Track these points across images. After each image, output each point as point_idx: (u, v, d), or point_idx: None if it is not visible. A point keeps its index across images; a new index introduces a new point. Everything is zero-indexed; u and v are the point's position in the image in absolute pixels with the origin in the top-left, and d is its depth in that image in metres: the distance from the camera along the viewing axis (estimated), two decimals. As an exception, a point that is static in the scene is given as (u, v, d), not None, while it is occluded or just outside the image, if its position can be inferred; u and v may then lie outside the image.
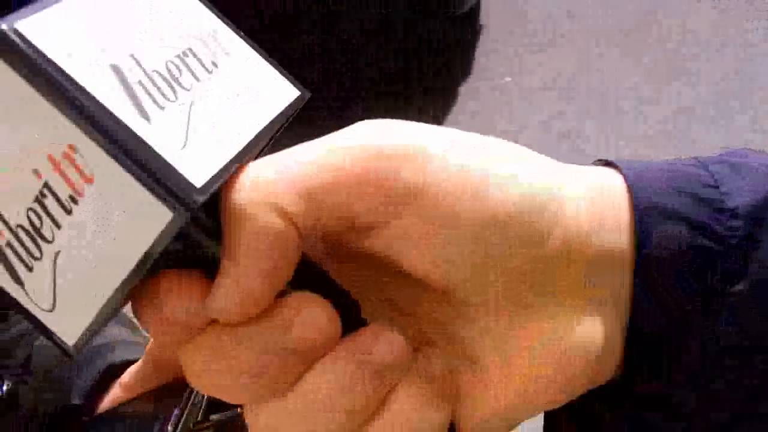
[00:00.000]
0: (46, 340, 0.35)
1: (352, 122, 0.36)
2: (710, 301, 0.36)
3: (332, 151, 0.35)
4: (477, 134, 0.37)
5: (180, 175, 0.33)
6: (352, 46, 2.37)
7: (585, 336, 0.36)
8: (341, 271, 0.37)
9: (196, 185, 0.33)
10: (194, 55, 0.36)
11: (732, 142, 2.38)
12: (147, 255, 0.33)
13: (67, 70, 0.32)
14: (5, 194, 0.33)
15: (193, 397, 0.47)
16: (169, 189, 0.32)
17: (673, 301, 0.36)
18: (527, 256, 0.35)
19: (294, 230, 0.34)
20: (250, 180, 0.34)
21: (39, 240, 0.34)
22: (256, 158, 0.35)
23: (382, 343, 0.35)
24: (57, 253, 0.34)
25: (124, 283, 0.33)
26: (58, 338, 0.35)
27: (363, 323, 0.36)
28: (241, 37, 0.39)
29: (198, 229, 0.34)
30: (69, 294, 0.34)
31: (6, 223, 0.34)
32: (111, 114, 0.32)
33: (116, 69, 0.33)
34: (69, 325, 0.35)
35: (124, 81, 0.33)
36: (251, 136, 0.36)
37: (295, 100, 0.38)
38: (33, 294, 0.34)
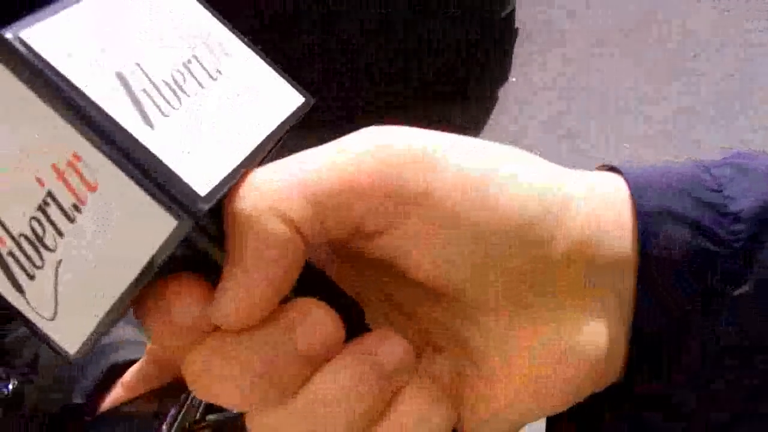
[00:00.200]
0: None
1: (352, 122, 0.36)
2: (710, 301, 0.36)
3: (337, 157, 0.35)
4: (479, 139, 0.37)
5: (184, 183, 0.32)
6: (352, 46, 2.37)
7: (586, 337, 0.36)
8: (345, 275, 0.37)
9: (200, 193, 0.33)
10: (199, 63, 0.36)
11: (732, 142, 2.38)
12: (150, 263, 0.33)
13: (72, 79, 0.32)
14: (8, 202, 0.33)
15: (191, 398, 0.47)
16: (173, 197, 0.32)
17: (673, 301, 0.36)
18: (529, 260, 0.35)
19: (299, 237, 0.34)
20: (255, 187, 0.34)
21: (41, 248, 0.34)
22: (260, 165, 0.35)
23: (387, 347, 0.35)
24: (59, 262, 0.34)
25: (127, 291, 0.33)
26: (60, 347, 0.35)
27: (367, 329, 0.36)
28: (246, 44, 0.38)
29: (202, 235, 0.34)
30: (71, 302, 0.34)
31: (8, 231, 0.34)
32: (115, 122, 0.32)
33: (121, 77, 0.33)
34: (70, 334, 0.34)
35: (128, 89, 0.33)
36: (256, 144, 0.36)
37: (300, 106, 0.38)
38: (34, 302, 0.34)
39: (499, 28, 2.63)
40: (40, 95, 0.32)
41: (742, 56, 2.64)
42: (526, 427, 0.38)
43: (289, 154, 0.36)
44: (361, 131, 0.36)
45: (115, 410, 0.50)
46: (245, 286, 0.33)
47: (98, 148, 0.32)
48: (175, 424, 0.48)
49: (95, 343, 0.35)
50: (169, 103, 0.34)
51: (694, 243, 0.36)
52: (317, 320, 0.34)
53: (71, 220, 0.33)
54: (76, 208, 0.33)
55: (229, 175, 0.34)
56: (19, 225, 0.34)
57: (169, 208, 0.32)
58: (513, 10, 2.70)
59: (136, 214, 0.32)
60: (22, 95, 0.32)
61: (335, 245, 0.36)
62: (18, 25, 0.32)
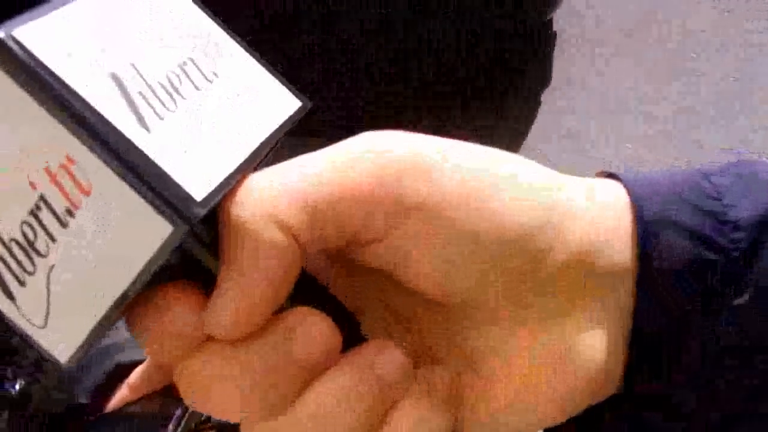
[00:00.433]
0: None
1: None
2: (710, 301, 0.36)
3: (334, 164, 0.34)
4: (479, 146, 0.36)
5: (180, 187, 0.32)
6: (352, 46, 2.37)
7: (585, 342, 0.36)
8: (342, 283, 0.37)
9: (196, 198, 0.32)
10: (195, 64, 0.35)
11: (732, 142, 2.38)
12: (144, 270, 0.32)
13: (66, 79, 0.31)
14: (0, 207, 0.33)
15: None
16: (169, 202, 0.32)
17: (673, 301, 0.36)
18: (528, 269, 0.35)
19: (295, 244, 0.33)
20: (252, 193, 0.34)
21: (33, 254, 0.33)
22: (256, 169, 0.35)
23: (385, 357, 0.34)
24: (51, 268, 0.33)
25: (120, 298, 0.33)
26: (51, 355, 0.34)
27: (363, 338, 0.36)
28: (243, 47, 0.38)
29: (196, 241, 0.33)
30: (63, 310, 0.33)
31: None
32: (110, 124, 0.31)
33: (116, 78, 0.33)
34: (62, 342, 0.34)
35: (124, 91, 0.33)
36: (252, 148, 0.35)
37: (297, 110, 0.38)
38: (25, 309, 0.33)
39: (538, 34, 2.61)
40: (33, 95, 0.31)
41: (742, 56, 2.64)
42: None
43: (288, 156, 0.36)
44: (359, 137, 0.36)
45: (119, 411, 0.50)
46: (240, 295, 0.33)
47: (92, 150, 0.31)
48: (181, 425, 0.48)
49: (87, 351, 0.34)
50: (164, 105, 0.33)
51: (694, 252, 0.35)
52: (314, 329, 0.34)
53: (64, 224, 0.32)
54: (69, 212, 0.32)
55: (225, 179, 0.33)
56: (10, 230, 0.33)
57: (164, 213, 0.31)
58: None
59: (130, 218, 0.32)
60: (13, 95, 0.31)
61: (332, 253, 0.36)
62: (11, 24, 0.31)
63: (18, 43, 0.31)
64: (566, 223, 0.35)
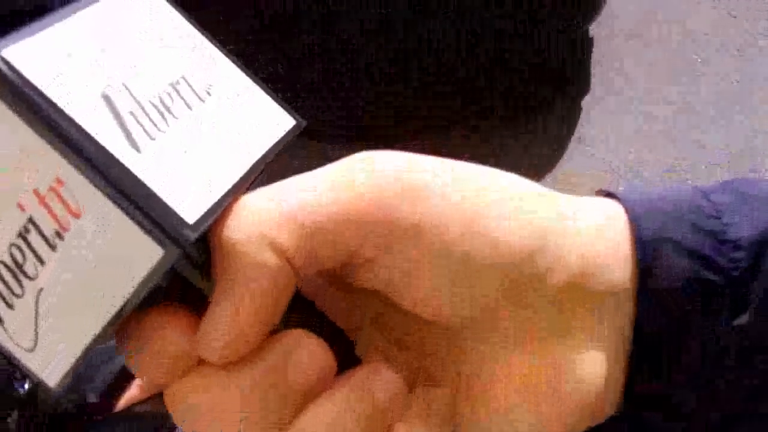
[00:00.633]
0: None
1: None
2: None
3: (328, 185, 0.34)
4: (476, 165, 0.36)
5: (172, 210, 0.31)
6: (352, 46, 2.37)
7: (584, 365, 0.36)
8: (336, 304, 0.37)
9: (188, 221, 0.32)
10: (188, 83, 0.35)
11: (732, 142, 2.38)
12: (135, 294, 0.32)
13: (56, 100, 0.31)
14: None
15: None
16: (159, 225, 0.31)
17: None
18: (527, 290, 0.35)
19: (288, 267, 0.33)
20: (244, 215, 0.33)
21: (21, 276, 0.32)
22: (249, 187, 0.34)
23: (379, 380, 0.34)
24: (40, 290, 0.32)
25: (110, 322, 0.32)
26: (39, 379, 0.33)
27: (357, 361, 0.35)
28: (236, 64, 0.37)
29: (188, 263, 0.33)
30: (52, 333, 0.33)
31: None
32: (100, 145, 0.31)
33: (107, 98, 0.32)
34: (51, 366, 0.33)
35: (114, 111, 0.32)
36: (246, 168, 0.34)
37: (291, 129, 0.37)
38: (13, 332, 0.33)
39: (580, 40, 2.59)
40: (21, 116, 0.30)
41: (742, 56, 2.63)
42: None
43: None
44: (353, 157, 0.35)
45: (127, 410, 0.50)
46: (233, 319, 0.32)
47: (82, 172, 0.31)
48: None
49: (76, 375, 0.33)
50: (156, 125, 0.33)
51: (693, 271, 0.35)
52: (307, 353, 0.33)
53: (53, 247, 0.32)
54: (58, 235, 0.31)
55: (218, 201, 0.33)
56: None
57: (155, 237, 0.31)
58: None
59: (120, 242, 0.31)
60: (2, 116, 0.31)
61: (328, 276, 0.36)
62: (0, 43, 0.31)
63: (7, 63, 0.30)
64: (565, 244, 0.35)
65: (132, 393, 0.49)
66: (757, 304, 0.36)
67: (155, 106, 0.33)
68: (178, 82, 0.35)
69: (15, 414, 0.64)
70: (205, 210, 0.32)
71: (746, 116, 2.45)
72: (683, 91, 2.56)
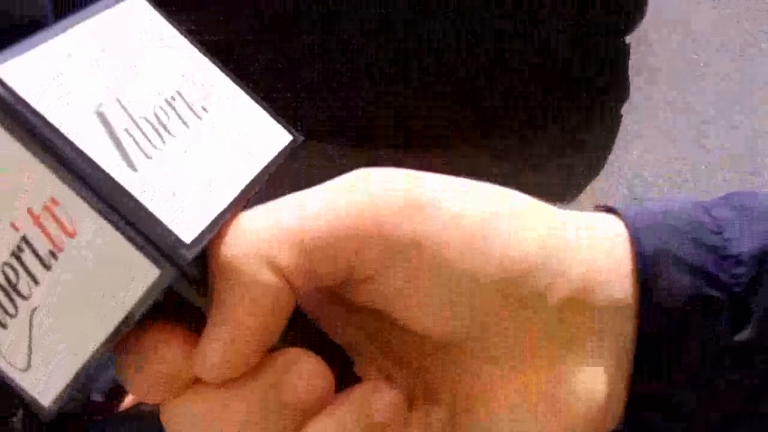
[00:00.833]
0: None
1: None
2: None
3: (327, 202, 0.33)
4: (477, 182, 0.36)
5: (168, 230, 0.31)
6: (352, 46, 2.37)
7: (587, 385, 0.36)
8: (335, 321, 0.36)
9: (185, 241, 0.31)
10: (183, 99, 0.34)
11: (732, 142, 2.38)
12: (131, 314, 0.31)
13: (49, 118, 0.30)
14: None
15: None
16: (156, 246, 0.31)
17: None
18: (527, 308, 0.35)
19: (287, 285, 0.33)
20: (242, 232, 0.33)
21: (15, 296, 0.32)
22: (246, 204, 0.34)
23: (378, 399, 0.34)
24: (34, 310, 0.32)
25: (106, 341, 0.32)
26: (33, 398, 0.33)
27: (356, 379, 0.35)
28: (232, 79, 0.37)
29: (185, 281, 0.32)
30: (46, 353, 0.32)
31: None
32: (95, 165, 0.30)
33: (101, 116, 0.32)
34: (45, 385, 0.33)
35: (109, 129, 0.32)
36: (243, 185, 0.34)
37: (288, 144, 0.37)
38: (6, 352, 0.32)
39: (615, 49, 2.58)
40: (15, 135, 0.30)
41: (742, 56, 2.64)
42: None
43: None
44: (352, 174, 0.35)
45: (130, 410, 0.50)
46: (230, 337, 0.32)
47: (77, 192, 0.30)
48: None
49: (71, 394, 0.33)
50: (152, 143, 0.32)
51: (695, 287, 0.35)
52: (306, 372, 0.33)
53: (47, 267, 0.31)
54: (52, 254, 0.31)
55: (215, 219, 0.32)
56: None
57: (151, 257, 0.30)
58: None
59: (116, 262, 0.31)
60: None
61: (327, 293, 0.35)
62: None
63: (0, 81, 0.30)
64: (566, 260, 0.35)
65: None
66: (758, 319, 0.36)
67: (151, 123, 0.33)
68: (173, 98, 0.34)
69: (20, 413, 0.64)
70: (202, 228, 0.32)
71: (747, 117, 2.46)
72: (684, 91, 2.57)
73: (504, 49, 2.40)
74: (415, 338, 0.35)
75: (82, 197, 0.30)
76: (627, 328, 0.36)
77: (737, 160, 2.32)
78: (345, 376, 0.35)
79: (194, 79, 0.35)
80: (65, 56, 0.32)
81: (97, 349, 0.32)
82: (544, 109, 2.44)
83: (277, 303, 0.32)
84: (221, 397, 0.33)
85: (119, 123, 0.32)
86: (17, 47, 0.31)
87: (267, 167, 0.35)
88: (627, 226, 0.36)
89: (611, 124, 2.43)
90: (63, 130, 0.30)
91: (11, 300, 0.32)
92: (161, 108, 0.33)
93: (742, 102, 2.50)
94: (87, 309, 0.31)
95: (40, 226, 0.31)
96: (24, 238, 0.31)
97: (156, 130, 0.33)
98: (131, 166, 0.31)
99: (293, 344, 0.33)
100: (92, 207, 0.30)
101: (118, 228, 0.30)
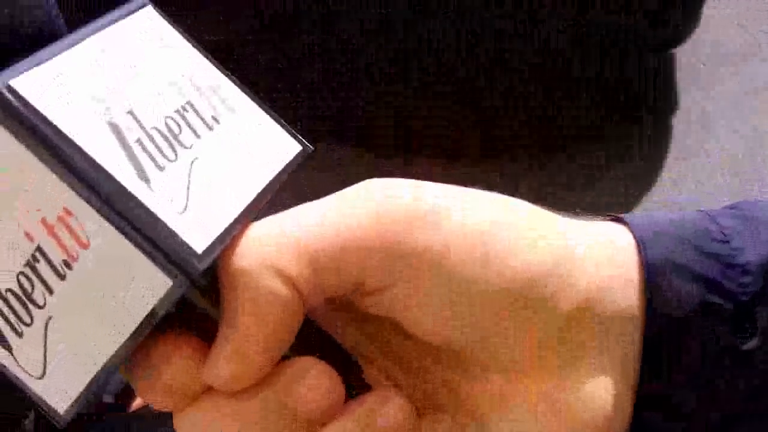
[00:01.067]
0: None
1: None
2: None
3: (336, 213, 0.34)
4: (482, 192, 0.36)
5: (181, 240, 0.32)
6: (352, 46, 2.37)
7: (592, 394, 0.36)
8: (346, 330, 0.37)
9: (197, 251, 0.32)
10: (194, 110, 0.35)
11: (732, 142, 2.38)
12: (144, 323, 0.32)
13: (64, 130, 0.31)
14: None
15: None
16: (169, 256, 0.31)
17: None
18: (534, 317, 0.35)
19: (297, 296, 0.33)
20: (252, 243, 0.33)
21: (30, 305, 0.32)
22: (257, 215, 0.35)
23: (389, 408, 0.34)
24: (49, 319, 0.32)
25: (119, 350, 0.32)
26: (49, 406, 0.33)
27: (366, 387, 0.36)
28: (242, 89, 0.37)
29: (196, 292, 0.33)
30: (61, 361, 0.33)
31: None
32: (109, 176, 0.31)
33: (114, 127, 0.32)
34: (60, 393, 0.33)
35: (122, 140, 0.32)
36: (253, 196, 0.35)
37: (297, 154, 0.37)
38: (22, 360, 0.33)
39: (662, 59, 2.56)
40: (30, 147, 0.31)
41: (745, 61, 2.64)
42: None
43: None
44: (360, 185, 0.35)
45: (144, 410, 0.50)
46: (241, 347, 0.33)
47: (90, 203, 0.31)
48: None
49: (86, 402, 0.33)
50: (164, 154, 0.33)
51: (701, 296, 0.35)
52: (316, 381, 0.33)
53: (62, 276, 0.32)
54: (66, 264, 0.31)
55: (226, 230, 0.33)
56: (7, 281, 0.32)
57: (164, 267, 0.31)
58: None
59: (129, 272, 0.31)
60: (9, 146, 0.31)
61: (337, 303, 0.36)
62: (8, 73, 0.31)
63: (15, 93, 0.30)
64: (572, 270, 0.35)
65: None
66: (765, 327, 0.36)
67: (163, 134, 0.33)
68: (185, 109, 0.35)
69: (32, 415, 0.64)
70: (214, 239, 0.32)
71: (748, 121, 2.46)
72: (685, 95, 2.56)
73: (504, 49, 2.40)
74: (422, 345, 0.36)
75: (95, 208, 0.31)
76: (633, 336, 0.36)
77: (739, 165, 2.32)
78: (356, 385, 0.35)
79: (206, 91, 0.36)
80: (78, 68, 0.32)
81: (111, 358, 0.32)
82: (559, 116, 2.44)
83: (287, 313, 0.33)
84: (233, 406, 0.33)
85: (132, 134, 0.32)
86: (31, 59, 0.31)
87: (277, 177, 0.36)
88: (633, 235, 0.36)
89: (662, 130, 2.43)
90: (77, 141, 0.31)
91: (27, 309, 0.32)
92: (173, 119, 0.34)
93: (744, 106, 2.50)
94: (101, 318, 0.32)
95: (55, 236, 0.31)
96: (39, 248, 0.31)
97: (168, 141, 0.33)
98: (144, 177, 0.32)
99: (303, 353, 0.34)
100: (105, 218, 0.31)
101: (130, 238, 0.31)
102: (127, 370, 0.34)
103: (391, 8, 2.42)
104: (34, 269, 0.32)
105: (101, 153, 0.31)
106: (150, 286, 0.31)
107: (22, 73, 0.31)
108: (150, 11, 0.36)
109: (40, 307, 0.32)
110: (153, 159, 0.32)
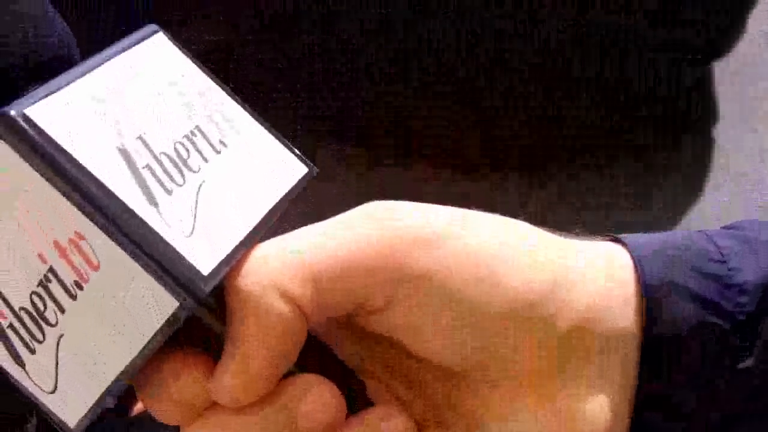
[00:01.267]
0: None
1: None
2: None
3: (339, 234, 0.35)
4: (486, 214, 0.37)
5: (188, 263, 0.33)
6: (352, 46, 2.37)
7: (592, 412, 0.36)
8: (348, 347, 0.37)
9: (203, 273, 0.33)
10: (203, 134, 0.36)
11: (732, 143, 2.38)
12: (152, 341, 0.33)
13: (75, 156, 0.32)
14: (9, 277, 0.33)
15: None
16: (176, 278, 0.32)
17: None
18: (534, 337, 0.35)
19: (300, 315, 0.34)
20: (257, 264, 0.34)
21: (42, 323, 0.34)
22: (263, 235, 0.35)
23: (390, 424, 0.35)
24: (60, 337, 0.34)
25: (128, 367, 0.34)
26: (60, 420, 0.35)
27: (369, 404, 0.36)
28: (248, 112, 0.38)
29: (204, 310, 0.34)
30: (71, 377, 0.34)
31: (9, 304, 0.34)
32: (119, 201, 0.32)
33: (124, 153, 0.33)
34: (70, 407, 0.34)
35: (132, 165, 0.33)
36: (259, 218, 0.36)
37: (303, 176, 0.38)
38: (35, 375, 0.34)
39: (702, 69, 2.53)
40: (43, 173, 0.32)
41: (742, 56, 2.64)
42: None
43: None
44: (363, 207, 0.36)
45: (145, 413, 0.50)
46: (246, 364, 0.33)
47: (101, 228, 0.32)
48: None
49: (96, 416, 0.35)
50: (172, 178, 0.34)
51: (699, 316, 0.36)
52: (319, 398, 0.34)
53: (73, 297, 0.33)
54: (77, 285, 0.33)
55: (231, 252, 0.34)
56: (20, 299, 0.34)
57: (171, 289, 0.32)
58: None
59: (138, 294, 0.32)
60: (23, 172, 0.32)
61: (340, 321, 0.36)
62: (21, 102, 0.32)
63: (30, 122, 0.32)
64: (571, 290, 0.36)
65: None
66: (761, 347, 0.36)
67: (171, 159, 0.35)
68: (193, 133, 0.36)
69: (34, 419, 0.64)
70: (220, 260, 0.34)
71: (749, 131, 2.46)
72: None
73: (504, 49, 2.40)
74: (425, 364, 0.36)
75: (106, 233, 0.32)
76: (631, 355, 0.36)
77: (739, 177, 2.32)
78: (358, 401, 0.36)
79: (215, 115, 0.37)
80: (90, 96, 0.34)
81: (120, 374, 0.34)
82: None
83: (290, 331, 0.34)
84: (237, 421, 0.34)
85: (141, 159, 0.34)
86: (45, 87, 0.33)
87: (283, 199, 0.37)
88: (632, 255, 0.37)
89: (706, 141, 2.43)
90: (89, 168, 0.32)
91: (39, 327, 0.34)
92: (181, 144, 0.35)
93: (742, 104, 2.50)
94: (110, 337, 0.33)
95: (66, 258, 0.33)
96: (51, 269, 0.33)
97: (176, 166, 0.35)
98: (153, 202, 0.33)
99: (307, 370, 0.35)
100: (116, 243, 0.32)
101: (140, 262, 0.32)
102: (136, 384, 0.35)
103: (391, 8, 2.42)
104: (46, 289, 0.33)
105: (112, 179, 0.32)
106: (158, 306, 0.32)
107: (36, 101, 0.32)
108: (161, 38, 0.37)
109: (52, 325, 0.33)
110: (161, 183, 0.34)
